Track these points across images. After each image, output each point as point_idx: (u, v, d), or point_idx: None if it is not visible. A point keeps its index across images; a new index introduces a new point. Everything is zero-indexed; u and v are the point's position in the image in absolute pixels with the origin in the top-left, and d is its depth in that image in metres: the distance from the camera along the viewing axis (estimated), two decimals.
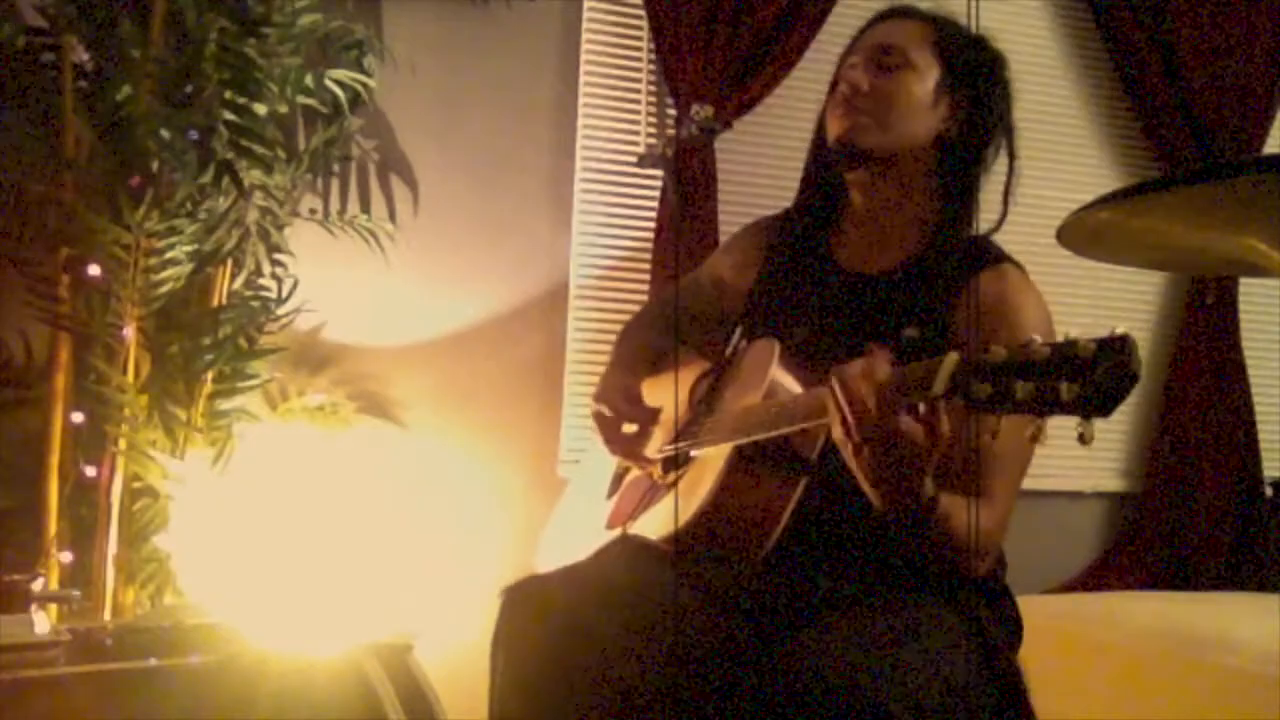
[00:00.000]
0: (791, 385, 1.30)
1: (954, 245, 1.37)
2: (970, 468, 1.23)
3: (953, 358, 0.96)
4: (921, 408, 1.04)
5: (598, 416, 1.51)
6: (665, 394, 1.55)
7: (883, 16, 1.45)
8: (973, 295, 1.32)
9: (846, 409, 1.07)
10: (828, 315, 1.41)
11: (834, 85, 1.44)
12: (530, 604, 1.29)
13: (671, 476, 1.41)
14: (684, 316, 1.66)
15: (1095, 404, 0.86)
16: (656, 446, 1.49)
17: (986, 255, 1.37)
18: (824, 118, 1.47)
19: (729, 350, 1.56)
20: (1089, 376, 0.86)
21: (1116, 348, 0.86)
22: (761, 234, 1.59)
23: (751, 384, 1.33)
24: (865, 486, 1.13)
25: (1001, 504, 1.25)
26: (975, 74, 1.41)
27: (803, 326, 1.40)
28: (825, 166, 1.47)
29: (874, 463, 1.09)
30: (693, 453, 1.39)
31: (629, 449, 1.50)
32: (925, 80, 1.39)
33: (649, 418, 1.51)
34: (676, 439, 1.46)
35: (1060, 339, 0.89)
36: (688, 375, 1.56)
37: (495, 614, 1.31)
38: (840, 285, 1.43)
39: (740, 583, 1.31)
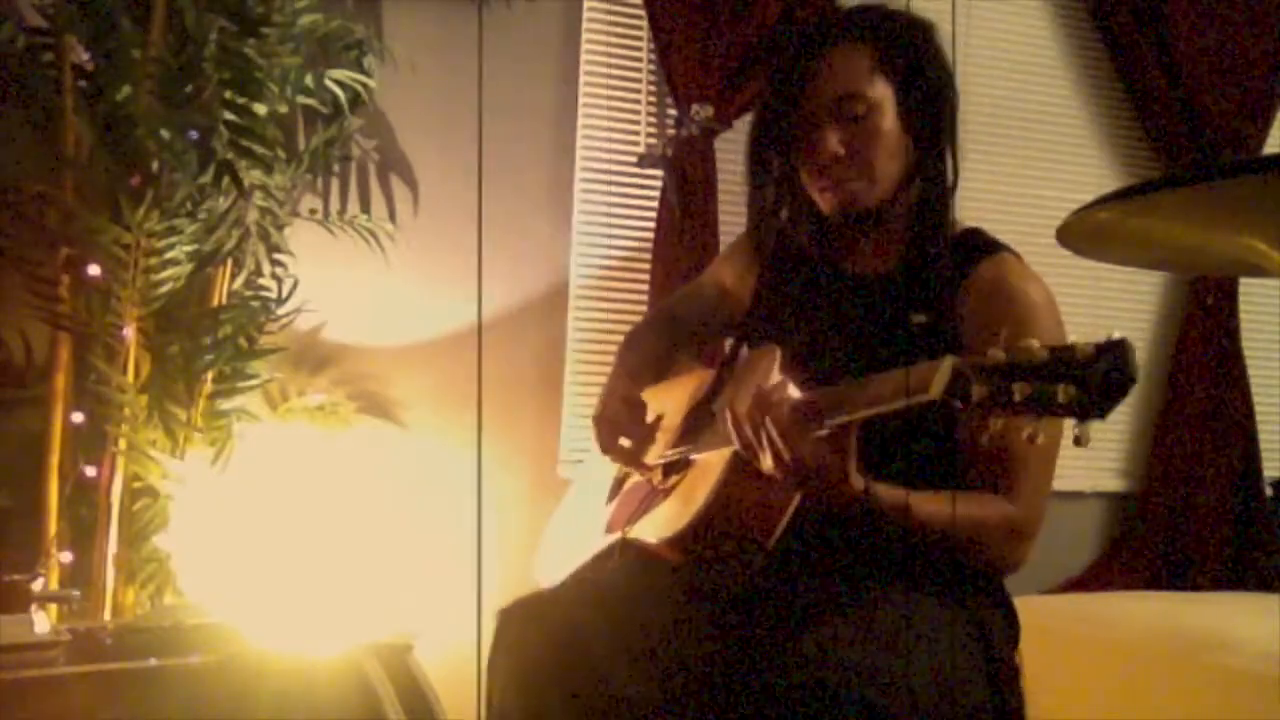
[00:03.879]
0: (794, 392, 1.30)
1: (944, 231, 1.37)
2: (988, 461, 1.25)
3: (950, 360, 0.97)
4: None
5: (597, 422, 1.51)
6: (668, 401, 1.55)
7: (824, 40, 1.38)
8: (974, 287, 1.33)
9: (750, 434, 1.16)
10: (831, 320, 1.41)
11: (794, 127, 1.39)
12: (525, 625, 1.29)
13: (671, 481, 1.41)
14: (687, 324, 1.67)
15: (1092, 406, 0.87)
16: (656, 454, 1.49)
17: (984, 246, 1.37)
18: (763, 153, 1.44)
19: (731, 357, 1.56)
20: (1086, 379, 0.87)
21: (1114, 351, 0.86)
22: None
23: (752, 389, 1.33)
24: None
25: (1026, 491, 1.26)
26: (917, 63, 1.37)
27: (805, 332, 1.40)
28: (822, 223, 1.45)
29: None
30: (693, 457, 1.39)
31: (627, 455, 1.50)
32: (887, 110, 1.35)
33: (648, 427, 1.51)
34: (677, 444, 1.46)
35: (1058, 342, 0.90)
36: (690, 382, 1.56)
37: (491, 634, 1.31)
38: (842, 289, 1.43)
39: (739, 585, 1.31)
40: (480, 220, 2.31)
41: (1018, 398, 0.90)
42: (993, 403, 0.92)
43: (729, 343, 1.62)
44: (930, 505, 1.21)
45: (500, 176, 2.42)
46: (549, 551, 1.65)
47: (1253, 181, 1.17)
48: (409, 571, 2.16)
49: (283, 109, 2.03)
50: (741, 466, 1.24)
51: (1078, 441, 0.88)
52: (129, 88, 1.85)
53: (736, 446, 1.20)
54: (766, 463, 1.16)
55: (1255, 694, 1.75)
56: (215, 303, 2.02)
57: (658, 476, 1.45)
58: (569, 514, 1.69)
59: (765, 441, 1.15)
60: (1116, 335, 0.88)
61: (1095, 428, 0.89)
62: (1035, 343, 0.91)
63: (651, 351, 1.63)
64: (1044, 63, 2.84)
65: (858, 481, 1.17)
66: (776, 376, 1.27)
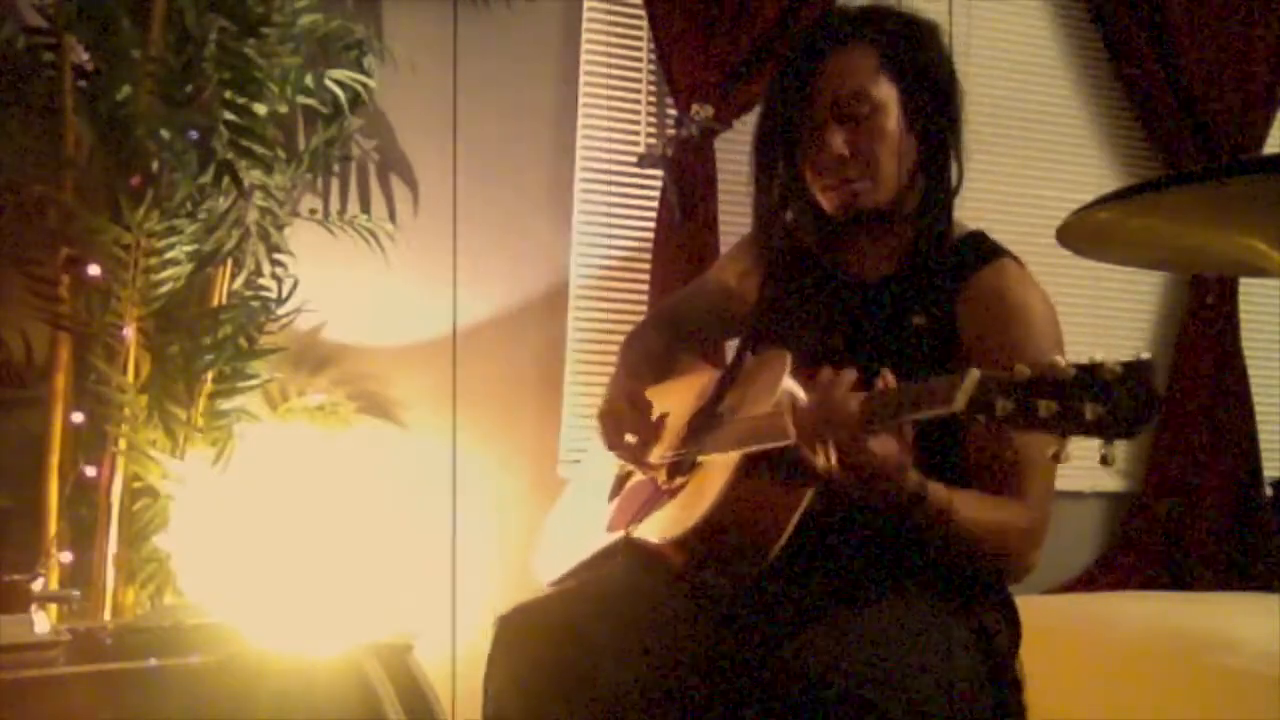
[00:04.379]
0: (804, 396, 1.30)
1: (944, 237, 1.37)
2: (1001, 467, 1.25)
3: (975, 374, 0.96)
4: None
5: (602, 418, 1.51)
6: (672, 400, 1.55)
7: (830, 41, 1.38)
8: (974, 293, 1.32)
9: (820, 433, 1.13)
10: (834, 324, 1.41)
11: (798, 127, 1.39)
12: (524, 633, 1.29)
13: (677, 481, 1.41)
14: (689, 323, 1.67)
15: (1119, 426, 0.86)
16: (660, 452, 1.49)
17: (985, 251, 1.37)
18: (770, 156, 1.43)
19: (736, 360, 1.55)
20: (1114, 398, 0.86)
21: (1142, 370, 0.86)
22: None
23: (763, 393, 1.33)
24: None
25: (1037, 497, 1.26)
26: (922, 64, 1.37)
27: (809, 336, 1.40)
28: (825, 224, 1.45)
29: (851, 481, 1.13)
30: (699, 459, 1.39)
31: (632, 453, 1.50)
32: (891, 111, 1.35)
33: (653, 423, 1.51)
34: (682, 445, 1.46)
35: (1086, 360, 0.90)
36: (695, 383, 1.56)
37: (489, 641, 1.31)
38: (844, 293, 1.43)
39: (743, 589, 1.31)
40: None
41: (1043, 414, 0.90)
42: (1018, 418, 0.92)
43: (734, 346, 1.61)
44: (969, 507, 1.20)
45: (500, 176, 2.42)
46: (548, 550, 1.64)
47: (1253, 181, 1.17)
48: (409, 571, 2.16)
49: (283, 109, 2.03)
50: (750, 470, 1.24)
51: (1104, 461, 0.88)
52: (129, 88, 1.85)
53: (791, 441, 1.16)
54: (826, 459, 1.13)
55: (1255, 694, 1.75)
56: (215, 303, 2.02)
57: (662, 477, 1.45)
58: (567, 512, 1.69)
59: (830, 433, 1.12)
60: (1145, 356, 0.87)
61: None
62: (1062, 360, 0.90)
63: (652, 350, 1.63)
64: (1044, 63, 2.84)
65: (914, 476, 1.15)
66: (788, 380, 1.27)
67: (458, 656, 1.91)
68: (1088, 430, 0.88)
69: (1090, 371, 0.88)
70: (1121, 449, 2.98)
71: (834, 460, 1.12)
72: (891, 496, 1.15)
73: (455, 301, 2.29)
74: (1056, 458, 0.92)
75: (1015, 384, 0.92)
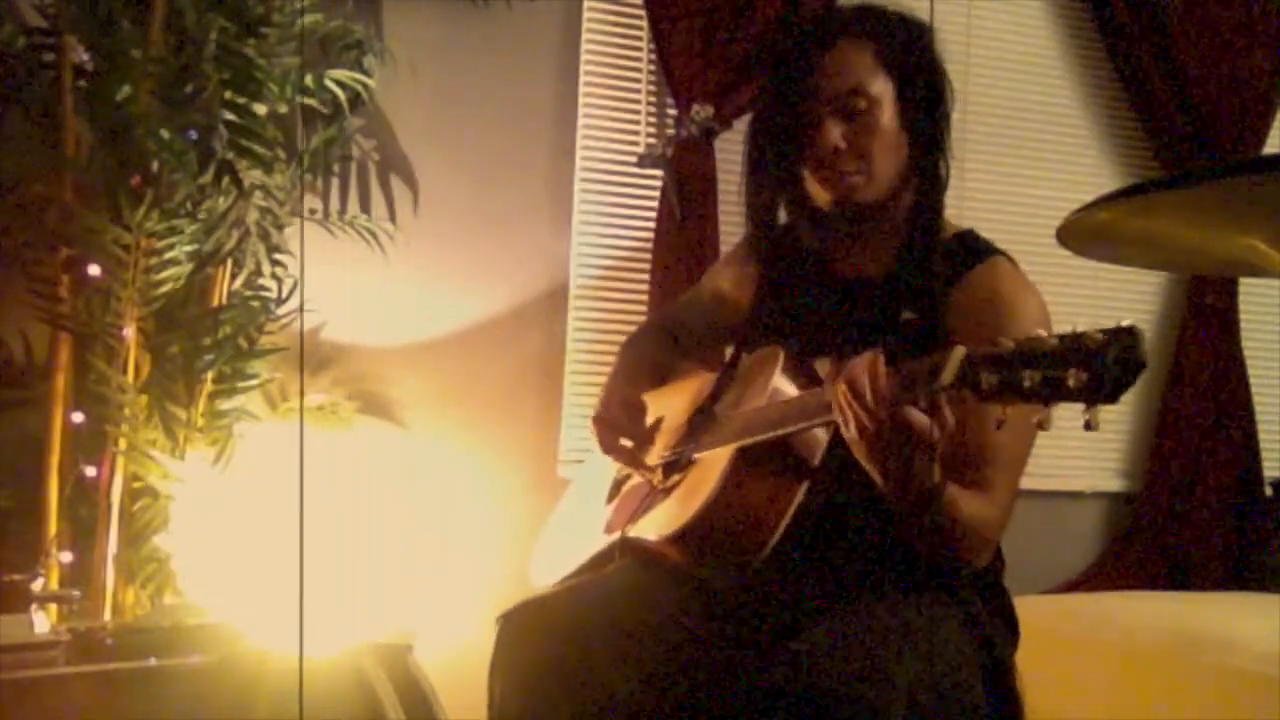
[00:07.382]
0: (794, 392, 1.31)
1: (936, 234, 1.37)
2: (971, 460, 1.24)
3: (961, 350, 0.97)
4: (922, 400, 1.05)
5: (597, 423, 1.52)
6: (670, 403, 1.56)
7: (828, 36, 1.38)
8: (967, 293, 1.32)
9: (851, 404, 1.08)
10: (827, 323, 1.41)
11: (795, 121, 1.39)
12: (527, 630, 1.29)
13: (672, 480, 1.41)
14: (685, 330, 1.67)
15: (1102, 391, 0.87)
16: (657, 454, 1.49)
17: (978, 250, 1.37)
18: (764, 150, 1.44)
19: (733, 361, 1.56)
20: (1096, 364, 0.86)
21: (1124, 336, 0.86)
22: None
23: (755, 390, 1.33)
24: (874, 476, 1.13)
25: (1002, 496, 1.25)
26: (916, 62, 1.38)
27: (803, 335, 1.41)
28: (817, 221, 1.44)
29: (880, 454, 1.09)
30: (694, 456, 1.39)
31: (628, 456, 1.50)
32: (887, 106, 1.36)
33: (648, 429, 1.51)
34: (679, 445, 1.46)
35: (1068, 330, 0.90)
36: (692, 386, 1.56)
37: (493, 641, 1.32)
38: (837, 293, 1.43)
39: (739, 585, 1.31)
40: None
41: (1027, 385, 0.90)
42: (1003, 391, 0.92)
43: (730, 348, 1.61)
44: (964, 501, 1.19)
45: (500, 176, 2.42)
46: (545, 552, 1.65)
47: (1253, 181, 1.17)
48: (408, 571, 2.16)
49: (283, 109, 2.03)
50: (744, 465, 1.24)
51: (1088, 426, 0.88)
52: (129, 88, 1.85)
53: (829, 416, 1.13)
54: (860, 423, 1.09)
55: (1255, 694, 1.74)
56: (215, 303, 2.02)
57: (658, 477, 1.45)
58: (566, 515, 1.69)
59: (868, 405, 1.07)
60: (1126, 323, 0.87)
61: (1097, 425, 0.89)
62: (1043, 332, 0.91)
63: (650, 357, 1.63)
64: (1044, 63, 2.84)
65: (936, 471, 1.11)
66: (780, 377, 1.27)
67: (457, 655, 1.91)
68: (1071, 397, 0.88)
69: (1072, 341, 0.88)
70: (1121, 446, 2.98)
71: (869, 425, 1.07)
72: (915, 483, 1.11)
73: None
74: (1041, 425, 0.92)
75: (999, 358, 0.93)
